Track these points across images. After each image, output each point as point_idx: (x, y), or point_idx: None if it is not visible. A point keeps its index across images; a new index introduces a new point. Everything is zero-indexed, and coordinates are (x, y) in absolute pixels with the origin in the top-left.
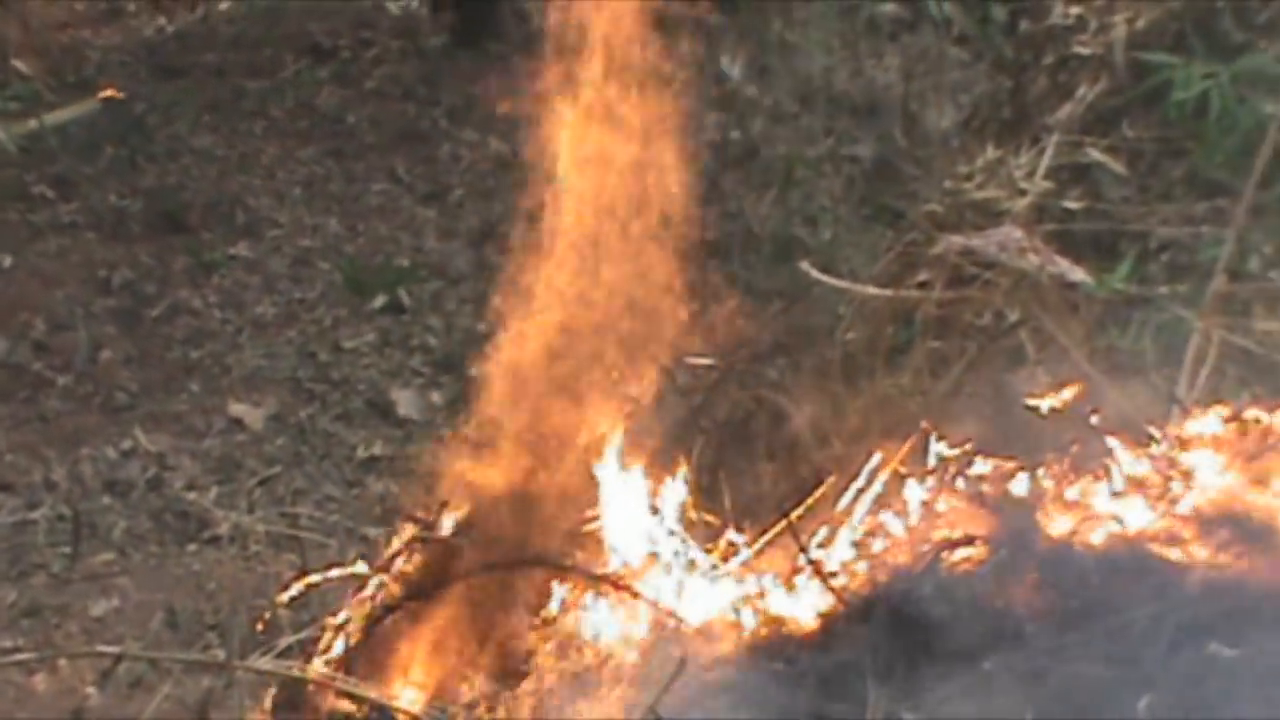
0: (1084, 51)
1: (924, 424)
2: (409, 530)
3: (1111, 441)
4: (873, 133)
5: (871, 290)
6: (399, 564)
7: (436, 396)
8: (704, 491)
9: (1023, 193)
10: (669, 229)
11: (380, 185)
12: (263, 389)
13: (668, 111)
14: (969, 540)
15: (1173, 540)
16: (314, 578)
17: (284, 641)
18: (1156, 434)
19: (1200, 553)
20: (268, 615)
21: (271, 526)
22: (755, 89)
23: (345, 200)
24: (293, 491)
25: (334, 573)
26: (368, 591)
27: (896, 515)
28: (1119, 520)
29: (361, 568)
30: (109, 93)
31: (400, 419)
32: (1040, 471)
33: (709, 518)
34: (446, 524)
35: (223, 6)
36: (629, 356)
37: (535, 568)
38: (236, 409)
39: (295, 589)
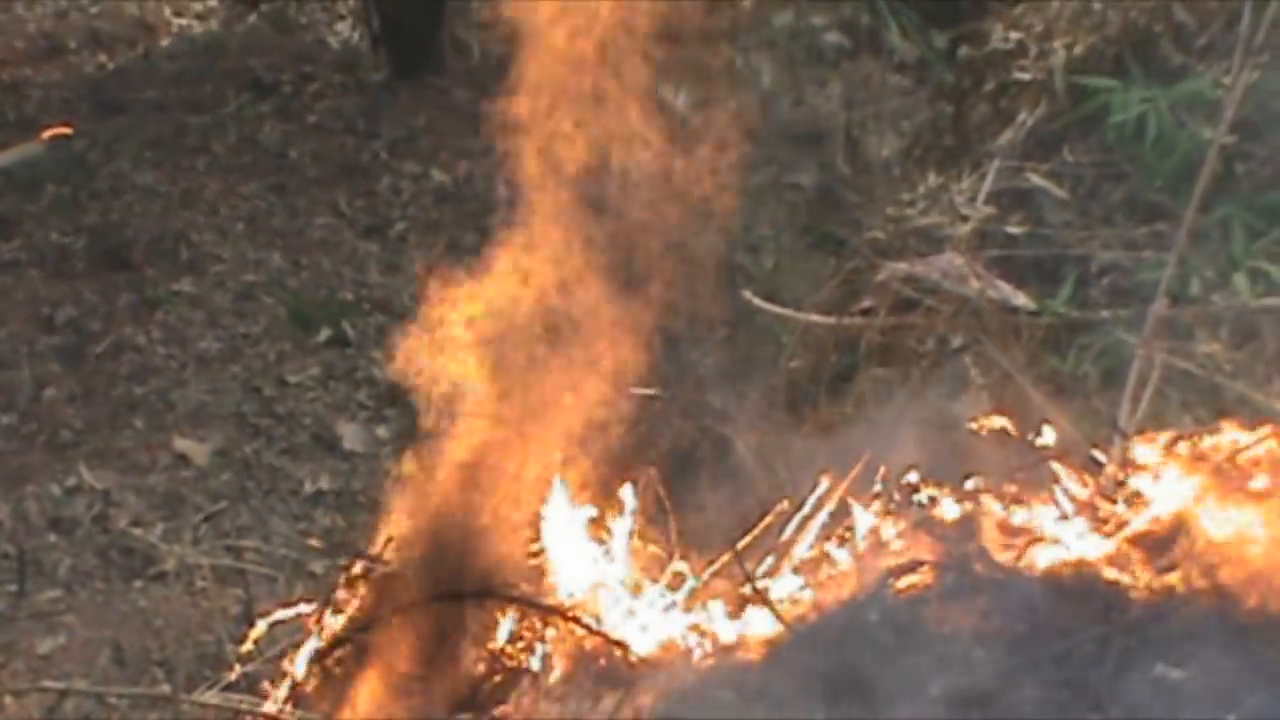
0: (1024, 77)
1: (869, 451)
2: (355, 564)
3: (1056, 466)
4: (815, 160)
5: (815, 318)
6: (345, 597)
7: (382, 430)
8: (650, 521)
9: (964, 218)
10: (612, 258)
11: (323, 219)
12: (208, 424)
13: (611, 141)
14: (915, 566)
15: (1118, 563)
16: (261, 613)
17: (230, 676)
18: (1101, 458)
19: (1145, 575)
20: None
21: (217, 561)
22: (698, 117)
23: (288, 235)
24: (238, 526)
25: (281, 611)
26: (315, 625)
27: (843, 542)
28: (1064, 544)
29: (309, 602)
30: (57, 130)
31: (346, 452)
32: (985, 497)
33: (655, 548)
34: (393, 556)
35: (164, 43)
36: (573, 387)
37: (483, 599)
38: (181, 445)
39: (242, 624)
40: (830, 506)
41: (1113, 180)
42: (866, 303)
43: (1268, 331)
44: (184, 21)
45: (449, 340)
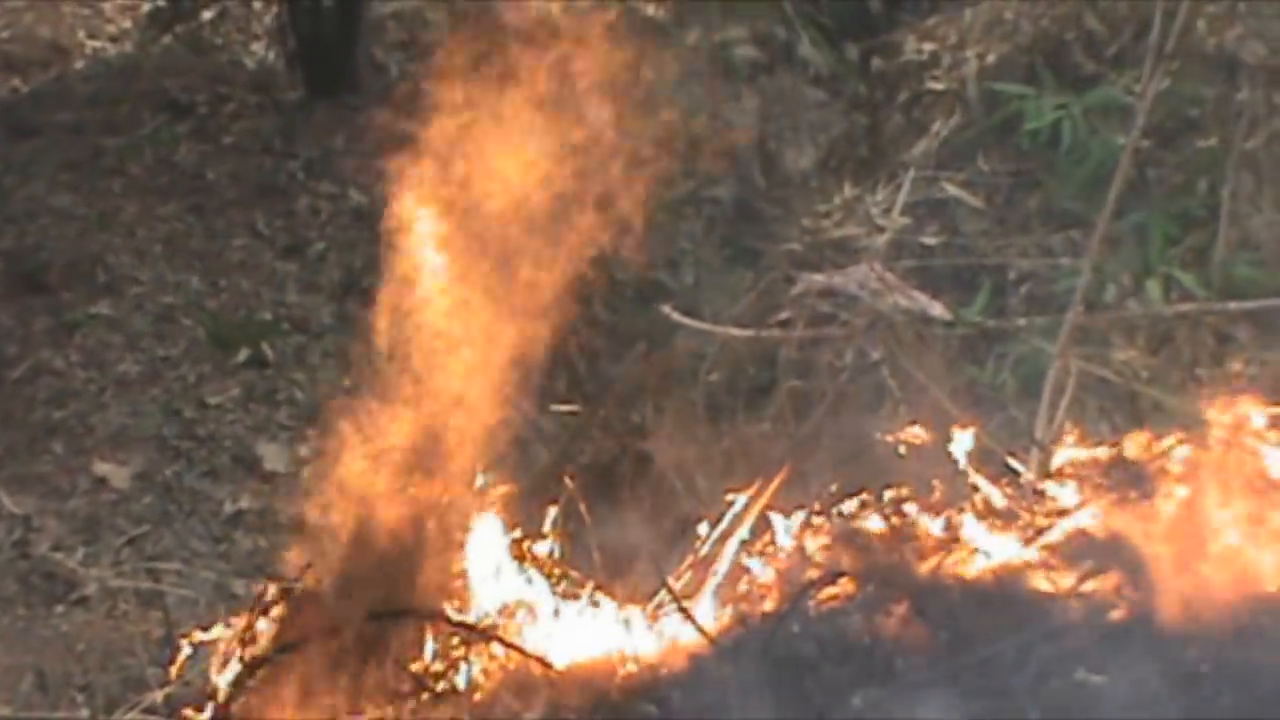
0: (937, 87)
1: (788, 463)
2: (277, 584)
3: (975, 475)
4: (732, 174)
5: (734, 331)
6: (267, 618)
7: (303, 450)
8: (571, 537)
9: (880, 229)
10: (529, 275)
11: (241, 240)
12: (128, 447)
13: (526, 159)
14: (837, 577)
15: (1039, 570)
16: (183, 636)
17: (153, 699)
18: (1019, 466)
19: (1066, 582)
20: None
21: (139, 585)
22: (613, 133)
23: (206, 256)
24: (160, 549)
25: (203, 633)
26: (236, 647)
27: (763, 555)
28: (985, 553)
29: (231, 624)
30: None
31: (267, 473)
32: (906, 507)
33: (576, 563)
34: (314, 576)
35: (78, 65)
36: (492, 404)
37: (405, 618)
38: (101, 468)
39: (164, 647)
40: (750, 519)
41: (1027, 188)
42: (784, 315)
43: (1182, 337)
44: (98, 44)
45: (364, 365)
